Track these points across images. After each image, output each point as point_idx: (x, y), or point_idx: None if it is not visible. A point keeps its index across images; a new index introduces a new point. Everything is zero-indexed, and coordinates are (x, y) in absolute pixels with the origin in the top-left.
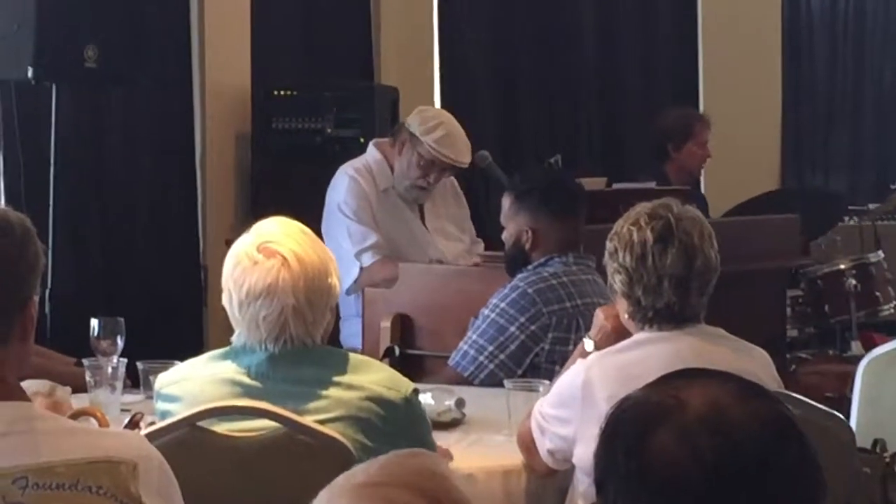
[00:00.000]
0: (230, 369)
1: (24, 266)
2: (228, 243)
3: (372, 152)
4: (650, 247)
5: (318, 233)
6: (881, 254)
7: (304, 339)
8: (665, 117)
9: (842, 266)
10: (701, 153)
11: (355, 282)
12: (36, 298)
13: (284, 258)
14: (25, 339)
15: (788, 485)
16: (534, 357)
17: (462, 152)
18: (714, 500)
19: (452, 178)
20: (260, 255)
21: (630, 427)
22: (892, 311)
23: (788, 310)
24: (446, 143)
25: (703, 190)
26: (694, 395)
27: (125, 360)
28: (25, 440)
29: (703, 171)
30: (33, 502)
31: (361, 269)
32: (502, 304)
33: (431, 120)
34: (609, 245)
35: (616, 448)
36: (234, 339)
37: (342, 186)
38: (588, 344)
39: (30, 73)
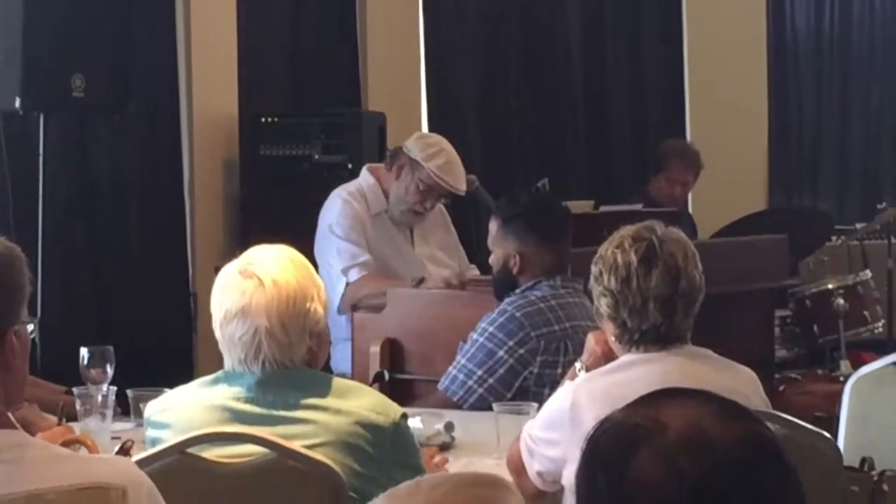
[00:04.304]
0: (220, 395)
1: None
2: (217, 270)
3: (365, 176)
4: (634, 269)
5: (310, 257)
6: (869, 273)
7: (283, 361)
8: (659, 144)
9: (830, 286)
10: (668, 189)
11: (342, 298)
12: (20, 328)
13: (260, 280)
14: (8, 368)
15: None
16: (522, 381)
17: (460, 180)
18: None
19: (441, 205)
20: (239, 277)
21: (610, 449)
22: (881, 329)
23: (777, 330)
24: (447, 170)
25: (690, 211)
26: (673, 416)
27: (115, 388)
28: (14, 468)
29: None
30: None
31: (347, 284)
32: (490, 329)
33: (433, 146)
34: (594, 268)
35: (596, 470)
36: (225, 363)
37: (335, 208)
38: (579, 368)
39: (17, 104)
